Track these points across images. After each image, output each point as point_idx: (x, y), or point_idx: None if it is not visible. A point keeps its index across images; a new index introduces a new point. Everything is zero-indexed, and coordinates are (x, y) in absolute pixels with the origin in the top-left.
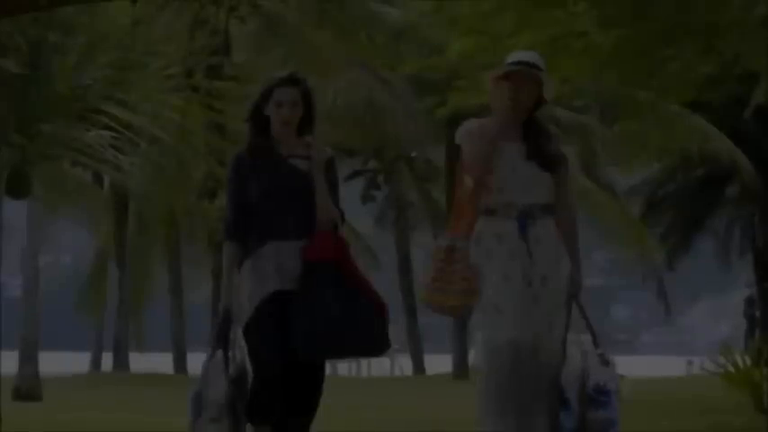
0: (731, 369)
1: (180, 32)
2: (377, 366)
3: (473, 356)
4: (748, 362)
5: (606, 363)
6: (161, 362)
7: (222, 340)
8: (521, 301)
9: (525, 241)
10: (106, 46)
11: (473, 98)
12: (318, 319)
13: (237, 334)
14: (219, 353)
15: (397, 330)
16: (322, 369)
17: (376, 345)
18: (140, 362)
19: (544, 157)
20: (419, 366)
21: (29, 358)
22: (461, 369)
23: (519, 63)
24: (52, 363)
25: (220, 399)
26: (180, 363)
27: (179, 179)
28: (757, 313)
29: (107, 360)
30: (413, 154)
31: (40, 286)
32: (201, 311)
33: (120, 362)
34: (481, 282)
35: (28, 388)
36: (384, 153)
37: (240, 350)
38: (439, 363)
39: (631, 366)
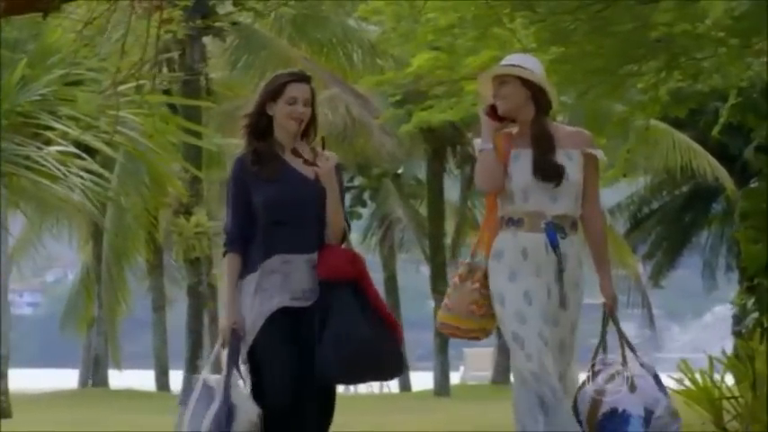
0: (690, 385)
1: (133, 47)
2: (363, 384)
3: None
4: (707, 378)
5: (634, 388)
6: (146, 379)
7: (234, 360)
8: (543, 323)
9: (554, 256)
10: (54, 61)
11: (436, 113)
12: (346, 342)
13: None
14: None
15: None
16: (334, 393)
17: (395, 367)
18: (121, 379)
19: (545, 169)
20: (405, 384)
21: None
22: (443, 387)
23: (502, 66)
24: (46, 379)
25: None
26: (162, 380)
27: (150, 196)
28: (743, 330)
29: None
30: (399, 170)
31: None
32: (184, 329)
33: (100, 378)
34: (500, 304)
35: None
36: (370, 169)
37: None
38: (428, 380)
39: None
